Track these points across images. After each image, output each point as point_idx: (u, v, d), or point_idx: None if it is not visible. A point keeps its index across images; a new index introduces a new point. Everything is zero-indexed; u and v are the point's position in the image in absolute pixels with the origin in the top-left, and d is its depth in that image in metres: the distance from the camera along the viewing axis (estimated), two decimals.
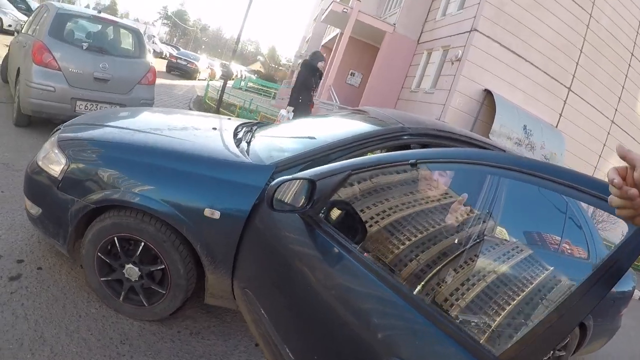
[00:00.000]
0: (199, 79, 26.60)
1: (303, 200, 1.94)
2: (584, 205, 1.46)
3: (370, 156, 2.17)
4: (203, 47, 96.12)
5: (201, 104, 14.03)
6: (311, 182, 1.93)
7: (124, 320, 2.80)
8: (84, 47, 6.11)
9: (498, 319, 1.42)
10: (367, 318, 1.62)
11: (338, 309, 1.73)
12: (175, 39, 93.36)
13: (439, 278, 1.61)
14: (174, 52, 31.72)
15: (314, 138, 2.90)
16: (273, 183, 1.91)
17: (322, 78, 5.45)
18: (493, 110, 13.67)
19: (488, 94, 14.36)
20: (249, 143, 3.03)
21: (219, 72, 32.54)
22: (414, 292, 1.57)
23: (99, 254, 2.69)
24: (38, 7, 7.78)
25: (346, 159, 2.25)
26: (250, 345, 2.89)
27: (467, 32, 14.66)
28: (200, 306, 3.03)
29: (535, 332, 1.22)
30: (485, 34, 14.29)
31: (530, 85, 14.89)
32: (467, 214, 1.75)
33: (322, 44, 29.38)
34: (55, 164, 2.74)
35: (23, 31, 7.53)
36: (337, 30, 23.05)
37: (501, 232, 1.68)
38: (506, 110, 13.73)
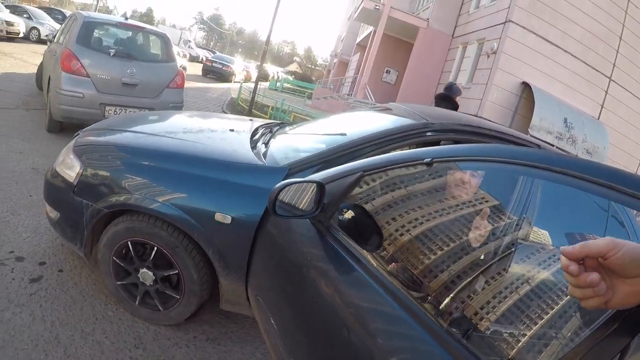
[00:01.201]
0: (234, 82, 26.88)
1: (312, 204, 1.82)
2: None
3: (383, 156, 2.01)
4: (239, 50, 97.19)
5: (234, 106, 14.12)
6: (320, 185, 1.80)
7: (140, 324, 2.78)
8: (112, 54, 6.25)
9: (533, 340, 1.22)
10: (376, 335, 1.48)
11: (345, 323, 1.58)
12: (211, 43, 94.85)
13: (461, 295, 1.40)
14: (210, 56, 32.15)
15: (334, 136, 2.77)
16: (276, 186, 1.80)
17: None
18: (532, 104, 13.24)
19: (526, 86, 13.92)
20: (266, 144, 2.95)
21: (254, 74, 32.87)
22: (430, 311, 1.39)
23: (114, 257, 2.69)
24: (68, 16, 7.99)
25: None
26: (267, 353, 2.81)
27: (502, 23, 14.27)
28: (219, 311, 2.97)
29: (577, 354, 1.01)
30: (520, 24, 13.88)
31: (570, 76, 14.34)
32: (493, 224, 1.55)
33: (357, 42, 29.27)
34: (70, 169, 2.77)
35: (55, 40, 7.76)
36: (371, 28, 22.87)
37: (534, 239, 1.46)
38: (545, 103, 13.26)
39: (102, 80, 6.01)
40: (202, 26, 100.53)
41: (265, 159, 2.63)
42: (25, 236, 3.46)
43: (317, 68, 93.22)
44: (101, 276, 2.90)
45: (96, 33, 6.41)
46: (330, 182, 1.84)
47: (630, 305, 0.86)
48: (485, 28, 15.50)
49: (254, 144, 2.93)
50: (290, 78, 46.24)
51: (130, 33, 6.97)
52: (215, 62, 27.67)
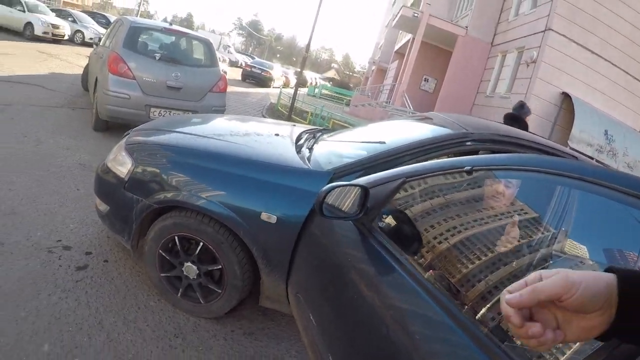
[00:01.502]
0: (273, 87, 27.22)
1: (356, 207, 1.89)
2: None
3: (425, 163, 2.08)
4: (278, 55, 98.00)
5: (274, 111, 14.33)
6: (364, 189, 1.88)
7: (180, 315, 2.89)
8: (157, 58, 6.49)
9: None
10: (415, 336, 1.51)
11: (385, 323, 1.63)
12: (250, 49, 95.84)
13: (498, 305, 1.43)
14: (249, 61, 32.58)
15: (375, 144, 2.84)
16: (324, 189, 1.87)
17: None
18: (572, 115, 12.96)
19: (566, 97, 13.63)
20: (310, 149, 3.04)
21: (293, 80, 33.12)
22: (469, 316, 1.41)
23: (160, 251, 2.82)
24: (114, 21, 8.30)
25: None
26: (302, 351, 2.88)
27: (542, 31, 14.02)
28: (258, 308, 3.06)
29: None
30: (560, 32, 13.60)
31: (611, 86, 13.97)
32: (530, 235, 1.57)
33: (395, 50, 29.10)
34: (122, 165, 2.91)
35: (101, 44, 8.11)
36: (409, 36, 22.67)
37: (570, 251, 1.48)
38: (585, 114, 12.96)
39: (148, 83, 6.24)
40: (241, 32, 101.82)
41: (309, 163, 2.72)
42: (73, 227, 3.65)
43: (354, 75, 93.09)
44: (145, 268, 3.03)
45: (142, 38, 6.67)
46: (374, 186, 1.90)
47: (587, 340, 0.80)
48: (525, 36, 15.25)
49: (298, 149, 3.02)
50: (328, 85, 46.37)
51: (174, 38, 7.21)
52: (255, 67, 28.07)
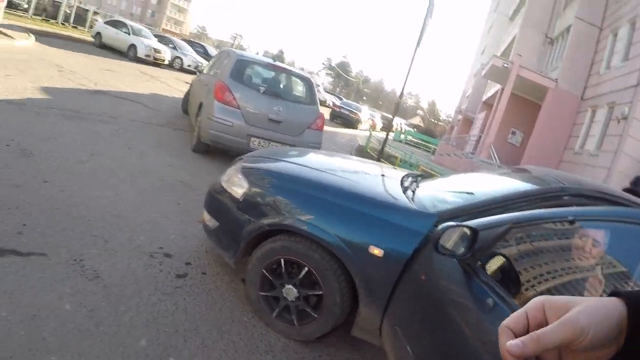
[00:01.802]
0: (360, 129, 27.72)
1: (464, 247, 2.03)
2: None
3: (530, 211, 2.19)
4: (364, 98, 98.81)
5: (363, 153, 14.61)
6: (474, 231, 2.01)
7: (271, 334, 3.04)
8: (261, 91, 6.92)
9: None
10: None
11: (485, 356, 1.74)
12: (337, 89, 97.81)
13: None
14: (337, 102, 33.43)
15: (475, 193, 2.97)
16: (440, 227, 2.03)
17: None
18: None
19: None
20: (413, 192, 3.20)
21: (379, 124, 33.51)
22: None
23: (264, 270, 3.00)
24: (219, 52, 8.96)
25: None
26: None
27: (633, 86, 13.30)
28: (346, 337, 3.16)
29: None
30: None
31: None
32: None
33: (483, 100, 28.65)
34: (237, 187, 3.17)
35: (204, 72, 8.72)
36: (498, 86, 22.30)
37: None
38: None
39: (251, 114, 6.65)
40: (329, 72, 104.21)
41: (414, 203, 2.88)
42: (174, 237, 3.94)
43: (440, 123, 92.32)
44: (244, 285, 3.24)
45: (248, 70, 7.16)
46: (483, 230, 2.03)
47: None
48: (616, 91, 14.54)
49: (403, 190, 3.18)
50: (413, 131, 46.47)
51: (277, 73, 7.65)
52: (343, 108, 28.79)
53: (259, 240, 3.06)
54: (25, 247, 3.07)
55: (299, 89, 7.70)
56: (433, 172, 12.12)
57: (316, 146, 7.17)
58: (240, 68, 6.97)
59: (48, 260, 3.01)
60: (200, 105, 7.12)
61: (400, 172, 3.97)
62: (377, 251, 2.61)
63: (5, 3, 15.84)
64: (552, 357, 0.64)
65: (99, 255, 3.28)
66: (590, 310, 0.63)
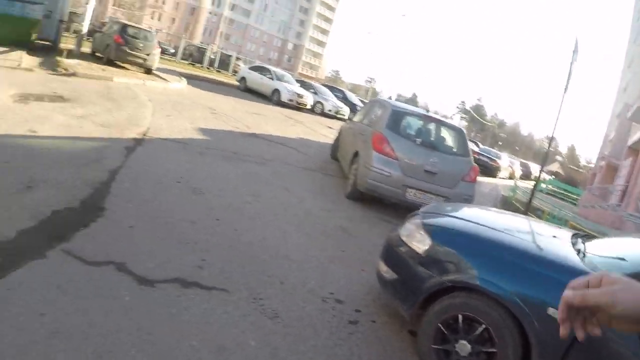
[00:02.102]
0: (499, 177, 26.68)
1: None
2: None
3: None
4: (500, 143, 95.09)
5: (507, 204, 14.17)
6: None
7: None
8: (418, 142, 7.10)
9: None
10: None
11: None
12: (472, 133, 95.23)
13: None
14: (476, 148, 32.60)
15: None
16: None
17: None
18: None
19: None
20: (584, 254, 3.15)
21: (518, 171, 31.98)
22: None
23: (439, 325, 3.08)
24: (370, 101, 9.35)
25: None
26: None
27: None
28: None
29: None
30: None
31: None
32: None
33: (628, 144, 25.93)
34: (419, 242, 3.33)
35: (355, 120, 9.10)
36: None
37: None
38: None
39: (407, 164, 6.83)
40: (464, 116, 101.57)
41: (586, 265, 2.87)
42: (342, 283, 4.12)
43: (580, 170, 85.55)
44: (413, 336, 3.35)
45: (403, 121, 7.41)
46: None
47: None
48: None
49: (576, 251, 3.16)
50: (552, 179, 43.55)
51: (431, 124, 7.78)
52: (483, 155, 27.70)
53: (435, 295, 3.16)
54: (207, 281, 3.40)
55: (452, 139, 7.75)
56: (583, 229, 11.29)
57: (469, 199, 7.14)
58: (396, 119, 7.23)
59: (231, 297, 3.30)
60: (356, 154, 7.42)
61: (566, 232, 3.92)
62: (555, 313, 2.60)
63: (159, 49, 17.88)
64: (602, 317, 0.80)
65: (276, 295, 3.52)
66: (629, 288, 0.78)
